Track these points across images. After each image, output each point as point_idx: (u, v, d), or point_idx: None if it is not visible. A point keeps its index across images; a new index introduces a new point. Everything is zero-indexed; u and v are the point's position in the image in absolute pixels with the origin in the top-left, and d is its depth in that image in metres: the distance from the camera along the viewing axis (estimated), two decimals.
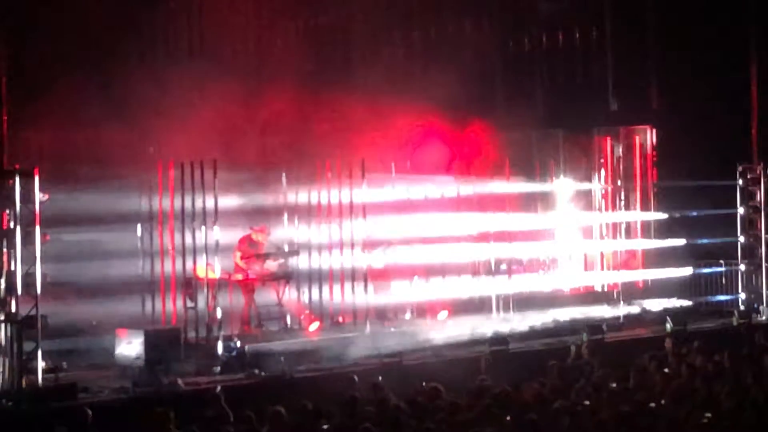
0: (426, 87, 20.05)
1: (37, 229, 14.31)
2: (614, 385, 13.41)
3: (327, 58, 21.48)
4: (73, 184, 16.63)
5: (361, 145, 19.75)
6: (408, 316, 19.19)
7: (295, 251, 18.22)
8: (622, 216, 22.05)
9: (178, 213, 16.98)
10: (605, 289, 21.48)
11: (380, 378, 14.35)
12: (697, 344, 16.21)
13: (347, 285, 18.60)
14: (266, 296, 17.89)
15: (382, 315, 18.85)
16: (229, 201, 17.49)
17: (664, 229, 22.39)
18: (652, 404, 12.29)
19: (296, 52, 21.45)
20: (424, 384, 13.18)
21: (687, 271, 21.97)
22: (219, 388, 13.45)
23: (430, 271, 19.83)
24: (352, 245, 18.90)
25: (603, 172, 22.79)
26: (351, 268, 18.69)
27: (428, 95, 20.01)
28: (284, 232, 18.66)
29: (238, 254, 17.60)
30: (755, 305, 21.80)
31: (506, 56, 23.73)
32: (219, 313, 16.65)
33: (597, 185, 22.56)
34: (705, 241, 21.92)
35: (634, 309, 20.90)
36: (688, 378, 13.81)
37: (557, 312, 19.50)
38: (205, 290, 16.73)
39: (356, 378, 14.46)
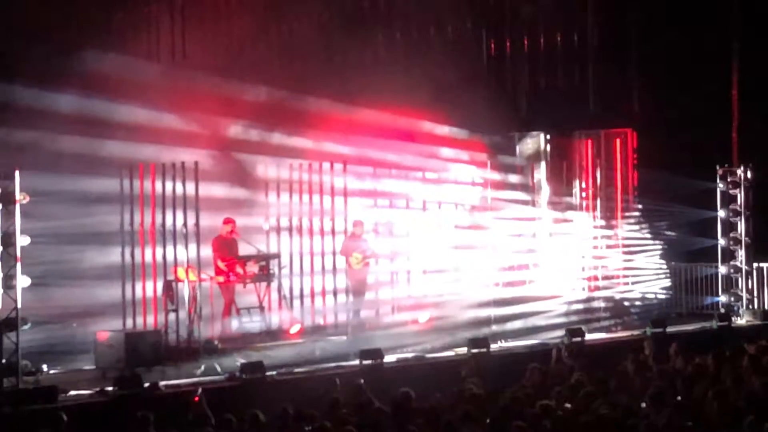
0: (407, 89, 20.06)
1: (18, 230, 14.26)
2: (594, 387, 13.43)
3: (309, 60, 21.45)
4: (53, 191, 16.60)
5: (341, 145, 19.76)
6: (389, 318, 19.20)
7: (275, 254, 18.21)
8: (600, 231, 22.11)
9: (158, 215, 16.95)
10: (587, 291, 21.57)
11: (362, 381, 14.33)
12: (675, 346, 16.25)
13: (328, 287, 18.64)
14: (247, 298, 17.86)
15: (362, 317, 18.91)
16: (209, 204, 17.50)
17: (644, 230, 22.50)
18: (633, 407, 12.32)
19: (278, 54, 21.44)
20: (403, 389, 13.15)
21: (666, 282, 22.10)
22: (200, 390, 13.38)
23: (410, 273, 19.91)
24: (333, 247, 18.93)
25: (584, 174, 22.85)
26: (332, 271, 18.73)
27: (409, 97, 20.03)
28: (264, 233, 18.66)
29: (219, 261, 17.53)
30: (735, 308, 21.91)
31: (487, 59, 23.77)
32: (200, 315, 16.62)
33: (578, 188, 22.66)
34: (686, 243, 22.03)
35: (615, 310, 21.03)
36: (668, 381, 13.85)
37: (538, 315, 19.62)
38: (186, 292, 16.70)
39: (338, 380, 14.47)
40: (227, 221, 17.65)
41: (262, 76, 19.61)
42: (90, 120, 17.60)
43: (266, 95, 19.33)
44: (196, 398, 12.94)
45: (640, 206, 22.76)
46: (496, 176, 21.26)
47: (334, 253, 18.92)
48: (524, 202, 22.02)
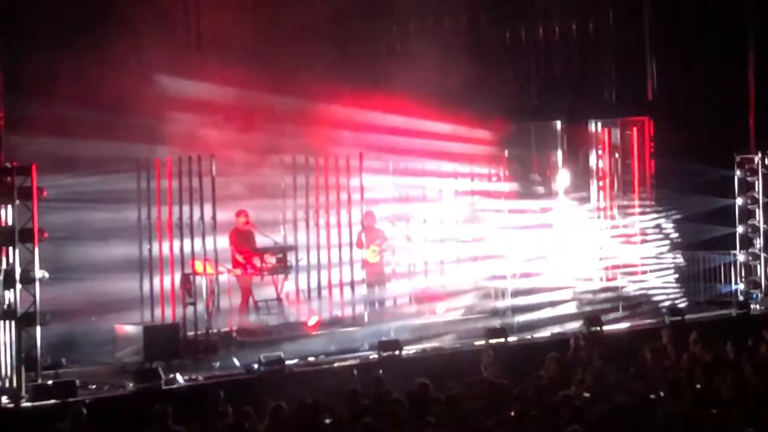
0: (423, 78, 20.03)
1: (35, 225, 14.31)
2: (613, 376, 13.42)
3: (322, 51, 21.43)
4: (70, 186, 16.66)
5: (357, 137, 19.74)
6: (406, 309, 19.19)
7: (292, 246, 18.21)
8: (617, 220, 22.05)
9: (176, 210, 16.98)
10: (605, 280, 21.51)
11: (381, 371, 14.35)
12: (695, 335, 16.21)
13: (346, 279, 18.64)
14: (265, 291, 17.88)
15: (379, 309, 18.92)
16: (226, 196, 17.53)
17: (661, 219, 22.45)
18: (652, 396, 12.31)
19: (291, 46, 21.41)
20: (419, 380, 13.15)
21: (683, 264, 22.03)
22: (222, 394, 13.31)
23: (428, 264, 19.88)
24: (350, 240, 18.91)
25: (601, 163, 22.80)
26: (350, 263, 18.72)
27: (426, 87, 19.99)
28: (281, 224, 18.65)
29: (236, 253, 17.54)
30: (753, 295, 21.83)
31: (503, 47, 23.70)
32: (218, 308, 16.64)
33: (595, 176, 22.63)
34: (703, 231, 21.93)
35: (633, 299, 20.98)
36: (686, 369, 13.83)
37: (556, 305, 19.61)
38: (204, 285, 16.73)
39: (356, 372, 14.48)
40: (240, 213, 17.65)
41: (275, 66, 19.60)
42: (105, 119, 17.66)
43: (281, 86, 19.33)
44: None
45: (657, 195, 22.69)
46: (512, 165, 21.22)
47: (351, 245, 18.91)
48: (540, 192, 21.98)
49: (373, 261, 18.91)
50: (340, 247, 18.89)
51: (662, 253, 22.11)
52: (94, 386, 14.39)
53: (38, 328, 14.21)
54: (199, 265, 16.75)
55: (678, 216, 22.38)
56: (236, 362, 15.51)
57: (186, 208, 16.82)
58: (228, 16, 20.02)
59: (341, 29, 21.72)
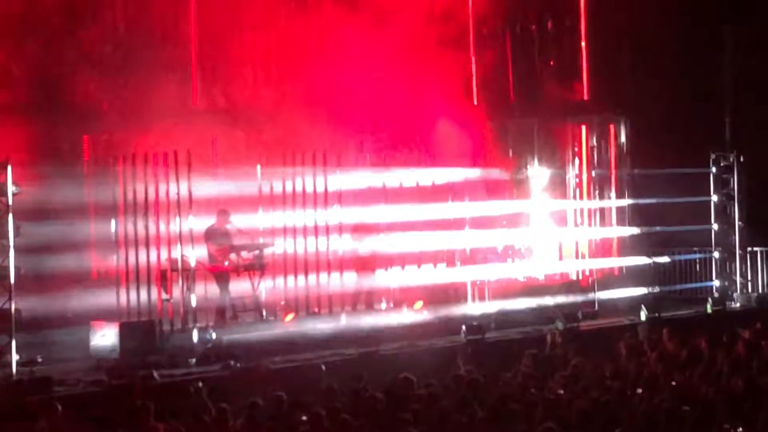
0: (400, 76, 20.03)
1: (11, 221, 14.23)
2: (590, 373, 13.45)
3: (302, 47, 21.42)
4: (47, 176, 16.56)
5: (337, 134, 19.72)
6: (383, 305, 19.18)
7: (269, 242, 18.17)
8: (595, 204, 22.12)
9: (151, 204, 16.92)
10: (580, 278, 21.55)
11: (359, 369, 14.34)
12: (666, 331, 16.27)
13: (323, 274, 18.62)
14: (241, 287, 17.83)
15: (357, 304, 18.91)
16: (204, 191, 17.47)
17: (638, 217, 22.50)
18: (628, 392, 12.34)
19: (274, 41, 21.37)
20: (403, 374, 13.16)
21: (661, 259, 22.09)
22: (201, 384, 13.30)
23: (405, 260, 19.86)
24: (327, 233, 18.87)
25: (577, 161, 22.85)
26: (326, 258, 18.69)
27: (399, 84, 19.99)
28: (259, 221, 18.59)
29: (212, 249, 17.49)
30: (729, 292, 21.92)
31: (479, 45, 23.70)
32: (194, 305, 16.60)
33: (571, 174, 22.67)
34: (679, 228, 22.00)
35: (609, 296, 21.01)
36: (662, 366, 13.87)
37: (532, 301, 19.62)
38: (180, 282, 16.67)
39: (323, 367, 14.49)
40: (222, 212, 17.61)
41: (251, 65, 19.59)
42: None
43: (251, 87, 19.30)
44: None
45: (632, 192, 22.76)
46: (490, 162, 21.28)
47: (328, 240, 18.86)
48: (518, 189, 22.02)
49: (363, 254, 18.92)
50: (316, 243, 18.83)
51: (638, 250, 22.18)
52: (69, 383, 14.31)
53: (13, 324, 14.14)
54: (175, 262, 16.67)
55: (654, 211, 22.45)
56: (210, 348, 15.47)
57: (162, 203, 16.77)
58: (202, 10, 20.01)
59: (318, 22, 21.68)
